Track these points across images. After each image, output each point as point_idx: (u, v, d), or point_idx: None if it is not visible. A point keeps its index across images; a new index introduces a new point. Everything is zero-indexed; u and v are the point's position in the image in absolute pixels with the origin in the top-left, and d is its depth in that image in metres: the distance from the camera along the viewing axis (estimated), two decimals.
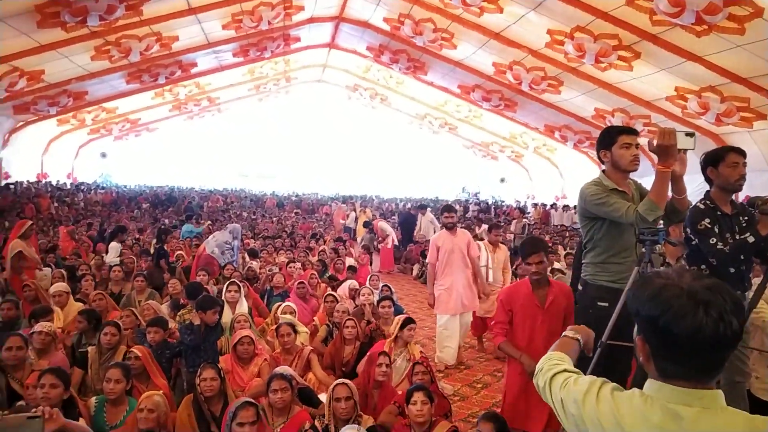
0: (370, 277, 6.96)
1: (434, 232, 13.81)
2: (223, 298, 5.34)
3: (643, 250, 2.67)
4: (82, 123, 17.99)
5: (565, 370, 1.50)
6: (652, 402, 1.18)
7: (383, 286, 6.71)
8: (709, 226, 3.03)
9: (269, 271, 7.30)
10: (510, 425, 3.55)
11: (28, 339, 3.63)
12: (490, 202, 24.31)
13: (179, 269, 6.90)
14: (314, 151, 35.05)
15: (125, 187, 25.31)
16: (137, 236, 11.65)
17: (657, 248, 3.47)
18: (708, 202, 3.14)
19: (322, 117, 32.69)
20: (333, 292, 6.00)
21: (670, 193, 2.74)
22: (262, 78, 19.53)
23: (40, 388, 2.91)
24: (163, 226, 11.90)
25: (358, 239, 12.66)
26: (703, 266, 3.12)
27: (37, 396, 2.92)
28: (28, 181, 17.77)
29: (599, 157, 3.02)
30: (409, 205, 19.53)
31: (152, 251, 8.46)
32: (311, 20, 14.50)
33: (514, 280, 6.33)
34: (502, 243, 6.87)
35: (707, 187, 3.21)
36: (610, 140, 2.92)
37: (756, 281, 3.21)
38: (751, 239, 2.90)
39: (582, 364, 1.76)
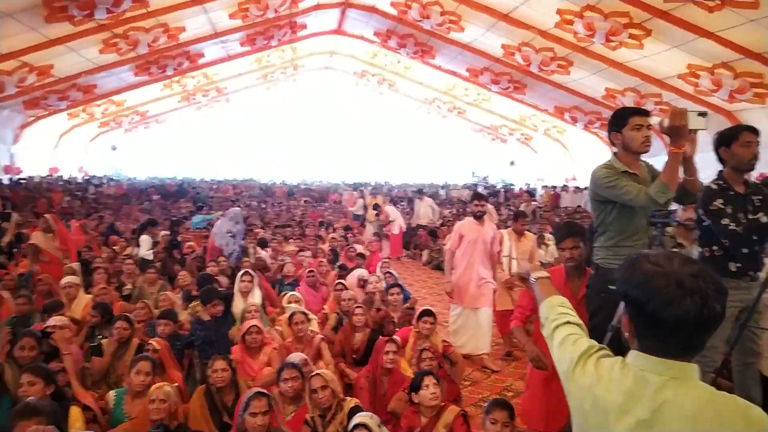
0: (381, 264, 6.93)
1: (433, 215, 13.80)
2: (236, 287, 5.37)
3: (655, 233, 2.63)
4: (92, 117, 18.14)
5: (568, 323, 1.55)
6: (628, 369, 1.26)
7: (386, 273, 6.60)
8: (722, 206, 2.98)
9: (280, 260, 7.31)
10: (527, 426, 3.54)
11: (42, 340, 3.65)
12: (498, 186, 24.13)
13: (189, 261, 6.94)
14: (323, 138, 35.04)
15: (135, 179, 25.46)
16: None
17: (668, 230, 3.41)
18: (721, 182, 3.08)
19: (330, 104, 32.68)
20: (342, 281, 5.99)
21: (681, 175, 2.69)
22: (270, 66, 19.45)
23: (22, 387, 2.95)
24: (174, 218, 11.95)
25: (367, 226, 12.65)
26: (715, 247, 3.07)
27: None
28: (40, 175, 17.93)
29: (610, 140, 2.97)
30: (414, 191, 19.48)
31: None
32: (318, 7, 14.39)
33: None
34: (528, 231, 6.23)
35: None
36: (621, 122, 2.86)
37: None
38: (764, 219, 2.84)
39: None
